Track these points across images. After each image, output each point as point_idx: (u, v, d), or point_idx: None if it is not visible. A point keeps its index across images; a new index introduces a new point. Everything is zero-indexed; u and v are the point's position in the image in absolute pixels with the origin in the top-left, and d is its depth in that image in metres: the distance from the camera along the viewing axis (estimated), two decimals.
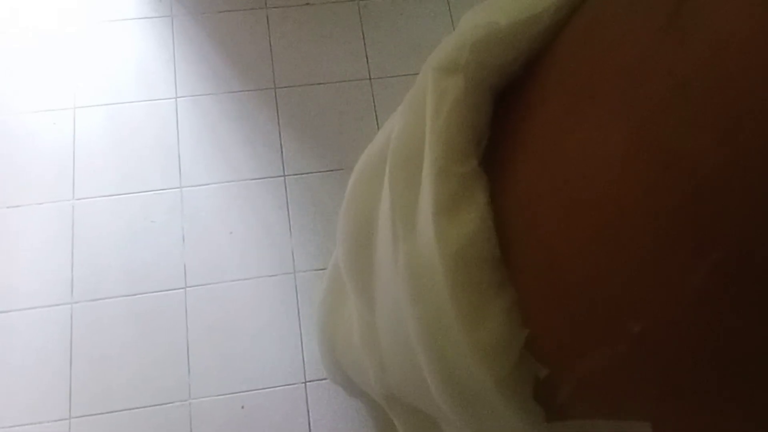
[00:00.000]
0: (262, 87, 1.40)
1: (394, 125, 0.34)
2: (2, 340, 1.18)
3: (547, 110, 0.27)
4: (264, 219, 1.30)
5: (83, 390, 1.16)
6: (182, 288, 1.23)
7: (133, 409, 1.15)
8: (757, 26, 0.19)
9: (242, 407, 1.17)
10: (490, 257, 0.28)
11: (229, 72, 1.41)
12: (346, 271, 0.44)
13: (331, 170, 1.35)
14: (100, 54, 1.41)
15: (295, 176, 1.34)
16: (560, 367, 0.27)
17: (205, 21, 1.45)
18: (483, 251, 0.28)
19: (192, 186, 1.31)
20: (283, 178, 1.33)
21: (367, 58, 1.44)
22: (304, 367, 1.20)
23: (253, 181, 1.33)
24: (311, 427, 1.17)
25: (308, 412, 1.17)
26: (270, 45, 1.44)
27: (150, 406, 1.15)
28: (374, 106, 1.40)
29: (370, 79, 1.42)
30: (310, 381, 1.19)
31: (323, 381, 1.19)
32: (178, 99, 1.38)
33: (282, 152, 1.35)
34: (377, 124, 1.38)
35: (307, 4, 1.48)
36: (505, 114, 0.30)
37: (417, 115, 0.31)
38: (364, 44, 1.45)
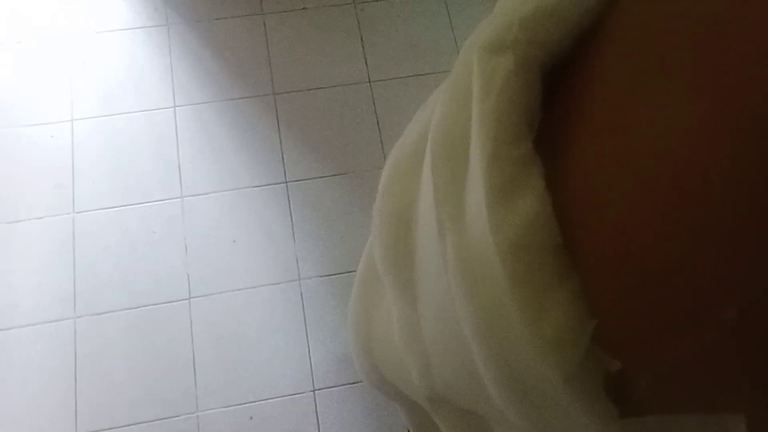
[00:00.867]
0: (260, 93, 1.39)
1: (431, 115, 0.33)
2: (6, 357, 1.16)
3: (609, 87, 0.25)
4: (267, 226, 1.29)
5: (89, 405, 1.14)
6: (186, 299, 1.22)
7: (140, 423, 1.13)
8: None
9: (250, 418, 1.15)
10: (551, 245, 0.26)
11: (227, 79, 1.40)
12: (384, 267, 0.42)
13: (333, 175, 1.33)
14: (97, 65, 1.40)
15: (297, 182, 1.32)
16: (635, 360, 0.26)
17: (201, 29, 1.44)
18: (543, 238, 0.26)
19: (193, 195, 1.30)
20: (284, 184, 1.32)
21: (365, 60, 1.43)
22: (312, 376, 1.18)
23: (255, 188, 1.31)
24: None
25: (318, 421, 1.16)
26: (268, 51, 1.43)
27: (157, 420, 1.14)
28: (374, 109, 1.39)
29: (369, 81, 1.41)
30: (318, 389, 1.18)
31: (332, 389, 1.18)
32: (176, 108, 1.37)
33: (283, 158, 1.34)
34: (378, 126, 1.37)
35: (304, 8, 1.47)
36: (556, 94, 0.28)
37: (460, 100, 0.29)
38: (363, 47, 1.44)
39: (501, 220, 0.26)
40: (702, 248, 0.21)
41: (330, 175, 1.33)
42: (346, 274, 1.25)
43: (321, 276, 1.25)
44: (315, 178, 1.33)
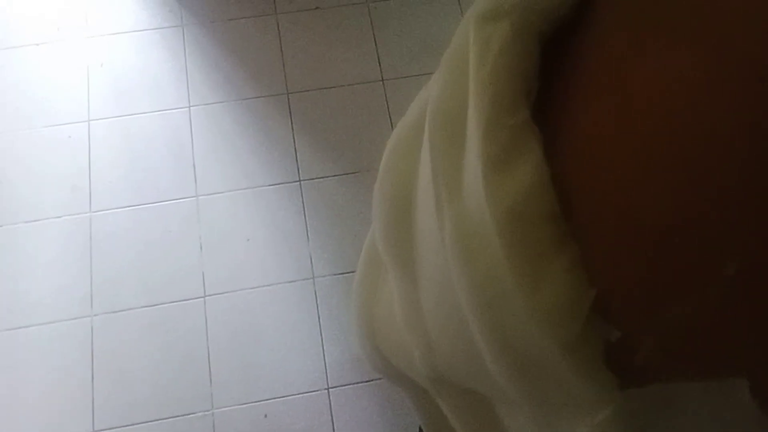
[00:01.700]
0: (274, 93, 1.39)
1: (431, 93, 0.32)
2: (24, 355, 1.18)
3: (607, 50, 0.25)
4: (281, 225, 1.29)
5: (106, 403, 1.15)
6: (201, 297, 1.23)
7: (156, 420, 1.14)
8: None
9: (265, 416, 1.15)
10: (548, 213, 0.25)
11: (241, 79, 1.40)
12: (384, 247, 0.41)
13: (347, 173, 1.33)
14: (113, 66, 1.41)
15: (311, 181, 1.33)
16: (636, 327, 0.25)
17: (215, 29, 1.45)
18: (540, 207, 0.25)
19: (208, 194, 1.31)
20: (298, 183, 1.32)
21: (378, 59, 1.43)
22: (326, 373, 1.18)
23: (269, 187, 1.32)
24: None
25: (332, 418, 1.16)
26: (281, 50, 1.43)
27: (173, 417, 1.14)
28: (387, 108, 1.39)
29: (382, 80, 1.41)
30: (333, 387, 1.18)
31: (346, 387, 1.18)
32: (191, 108, 1.38)
33: (296, 157, 1.34)
34: (391, 125, 1.37)
35: (317, 8, 1.48)
36: (554, 62, 0.28)
37: (457, 70, 0.29)
38: (376, 46, 1.44)
39: (497, 189, 0.26)
40: (704, 202, 0.20)
41: (343, 174, 1.33)
42: None
43: (335, 274, 1.25)
44: (328, 176, 1.33)
